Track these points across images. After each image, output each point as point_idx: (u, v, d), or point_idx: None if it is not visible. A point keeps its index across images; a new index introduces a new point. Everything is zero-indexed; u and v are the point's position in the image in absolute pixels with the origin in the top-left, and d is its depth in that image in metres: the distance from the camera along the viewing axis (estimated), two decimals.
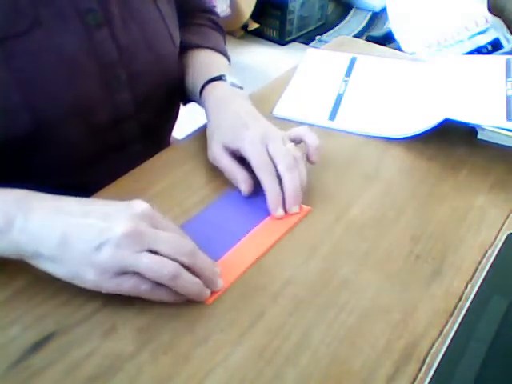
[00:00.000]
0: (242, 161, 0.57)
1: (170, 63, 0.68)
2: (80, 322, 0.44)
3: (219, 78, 0.65)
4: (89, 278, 0.42)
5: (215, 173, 0.61)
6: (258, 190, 0.56)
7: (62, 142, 0.58)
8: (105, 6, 0.57)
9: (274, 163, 0.54)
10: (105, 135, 0.62)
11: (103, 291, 0.43)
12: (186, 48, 0.72)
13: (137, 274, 0.42)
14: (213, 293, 0.46)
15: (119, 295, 0.44)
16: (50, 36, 0.53)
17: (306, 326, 0.45)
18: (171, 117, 0.77)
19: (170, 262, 0.42)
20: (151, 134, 0.69)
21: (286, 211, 0.55)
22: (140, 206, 0.44)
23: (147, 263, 0.41)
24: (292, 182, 0.54)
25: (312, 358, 0.43)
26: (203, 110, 0.66)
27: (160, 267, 0.42)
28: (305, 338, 0.44)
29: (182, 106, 0.78)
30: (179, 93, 0.73)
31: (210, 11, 0.79)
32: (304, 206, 0.56)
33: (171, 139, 0.81)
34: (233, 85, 0.65)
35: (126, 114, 0.63)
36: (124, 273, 0.42)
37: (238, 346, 0.43)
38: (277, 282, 0.49)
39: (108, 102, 0.60)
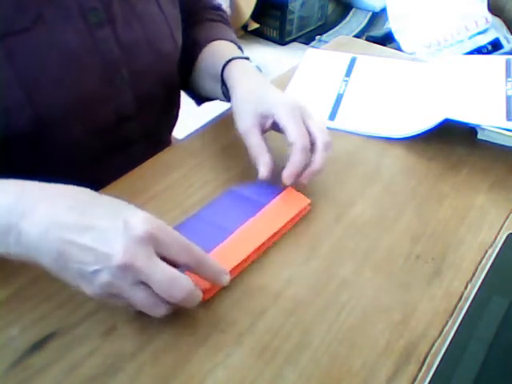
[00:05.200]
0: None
1: (171, 63, 0.68)
2: (80, 322, 0.44)
3: (245, 58, 0.65)
4: (87, 292, 0.41)
5: (215, 173, 0.61)
6: (258, 187, 0.56)
7: (65, 140, 0.58)
8: (107, 4, 0.57)
9: (310, 136, 0.54)
10: (107, 134, 0.62)
11: None
12: (204, 43, 0.71)
13: None
14: (211, 290, 0.46)
15: None
16: (52, 33, 0.53)
17: (306, 325, 0.45)
18: (171, 117, 0.77)
19: (162, 305, 0.41)
20: (152, 134, 0.69)
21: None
22: (142, 226, 0.40)
23: (141, 300, 0.40)
24: (322, 162, 0.54)
25: (312, 357, 0.43)
26: (203, 111, 0.66)
27: (152, 308, 0.41)
28: (305, 338, 0.44)
29: (182, 106, 0.78)
30: (194, 91, 0.73)
31: (219, 8, 0.80)
32: (304, 198, 0.56)
33: (171, 139, 0.81)
34: (258, 68, 0.64)
35: (128, 114, 0.63)
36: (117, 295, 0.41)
37: (238, 345, 0.43)
38: (277, 282, 0.49)
39: (110, 100, 0.60)
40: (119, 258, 0.39)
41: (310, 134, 0.54)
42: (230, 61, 0.64)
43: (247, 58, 0.64)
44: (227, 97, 0.64)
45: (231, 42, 0.72)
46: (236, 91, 0.60)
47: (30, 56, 0.52)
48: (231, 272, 0.47)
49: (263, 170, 0.54)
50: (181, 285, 0.41)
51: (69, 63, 0.54)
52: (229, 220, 0.53)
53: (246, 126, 0.56)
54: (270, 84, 0.60)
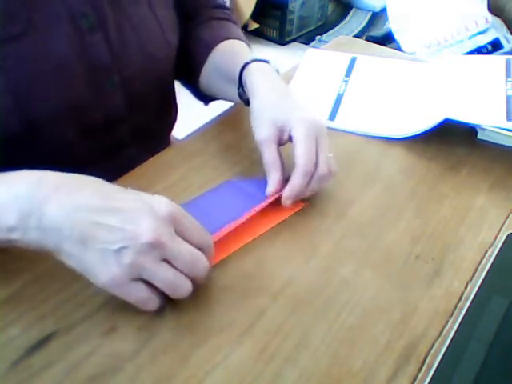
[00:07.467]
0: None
1: (165, 66, 0.67)
2: (80, 322, 0.44)
3: (266, 61, 0.63)
4: (102, 279, 0.41)
5: (215, 173, 0.61)
6: (257, 182, 0.56)
7: (57, 142, 0.57)
8: (98, 9, 0.57)
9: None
10: (99, 137, 0.62)
11: (110, 292, 0.43)
12: (213, 43, 0.70)
13: (148, 285, 0.42)
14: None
15: None
16: (42, 40, 0.52)
17: (306, 325, 0.45)
18: (168, 119, 0.76)
19: (187, 283, 0.43)
20: (147, 135, 0.68)
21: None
22: (165, 207, 0.42)
23: (166, 277, 0.42)
24: (313, 190, 0.55)
25: (312, 357, 0.43)
26: (203, 111, 0.66)
27: (176, 286, 0.43)
28: (305, 338, 0.44)
29: (181, 107, 0.78)
30: (202, 91, 0.72)
31: (224, 7, 0.79)
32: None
33: (171, 139, 0.81)
34: (277, 71, 0.63)
35: (118, 117, 0.63)
36: (136, 280, 0.42)
37: (238, 346, 0.43)
38: (277, 282, 0.49)
39: (100, 104, 0.60)
40: (148, 235, 0.40)
41: (316, 159, 0.53)
42: (249, 63, 0.62)
43: (267, 61, 0.63)
44: (243, 99, 0.63)
45: (241, 40, 0.71)
46: (256, 97, 0.58)
47: (20, 62, 0.51)
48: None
49: (271, 188, 0.55)
50: (203, 262, 0.44)
51: (58, 69, 0.54)
52: (223, 211, 0.54)
53: (263, 136, 0.55)
54: (291, 92, 0.59)
